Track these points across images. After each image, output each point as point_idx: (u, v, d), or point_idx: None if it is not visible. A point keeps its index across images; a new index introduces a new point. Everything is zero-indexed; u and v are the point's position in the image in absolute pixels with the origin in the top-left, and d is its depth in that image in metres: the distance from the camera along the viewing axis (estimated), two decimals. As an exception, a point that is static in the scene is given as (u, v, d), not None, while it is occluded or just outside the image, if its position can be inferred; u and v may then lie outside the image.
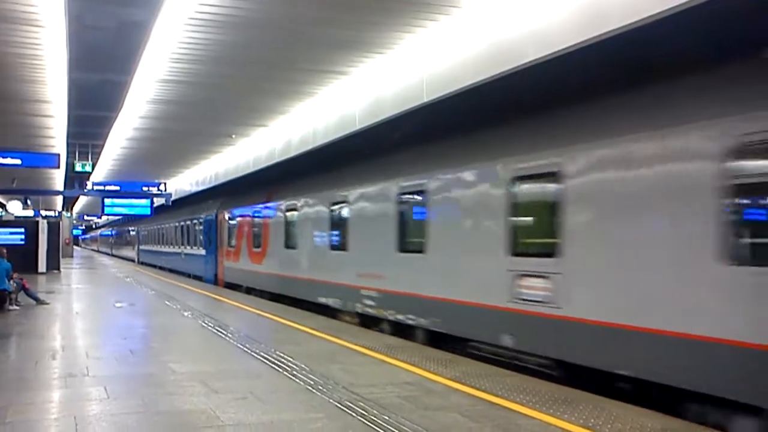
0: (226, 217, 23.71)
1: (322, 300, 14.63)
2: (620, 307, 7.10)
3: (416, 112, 11.72)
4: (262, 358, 8.58)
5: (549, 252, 8.10)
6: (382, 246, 12.24)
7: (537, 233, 8.89)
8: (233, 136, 20.52)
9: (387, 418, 5.78)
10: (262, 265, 19.47)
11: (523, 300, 8.43)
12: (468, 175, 9.93)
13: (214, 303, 16.21)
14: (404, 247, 11.67)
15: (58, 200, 46.77)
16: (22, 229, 26.80)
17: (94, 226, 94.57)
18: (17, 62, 12.72)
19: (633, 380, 6.95)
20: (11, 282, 14.06)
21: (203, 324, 12.08)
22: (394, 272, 11.88)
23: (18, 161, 21.04)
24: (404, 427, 5.52)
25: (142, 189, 29.19)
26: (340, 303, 13.87)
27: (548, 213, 8.28)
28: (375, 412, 5.97)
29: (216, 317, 12.99)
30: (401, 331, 11.35)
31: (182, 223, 30.47)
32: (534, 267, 8.36)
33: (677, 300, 6.49)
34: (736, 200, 6.12)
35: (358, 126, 13.74)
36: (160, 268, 34.91)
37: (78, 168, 25.17)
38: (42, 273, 26.12)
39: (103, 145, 23.60)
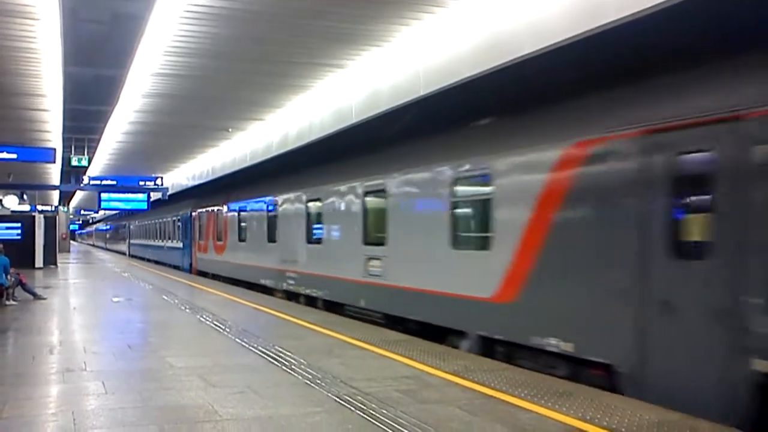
0: (197, 216, 28.17)
1: (263, 281, 18.75)
2: (413, 277, 11.12)
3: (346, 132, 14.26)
4: (260, 353, 8.58)
5: (381, 242, 12.22)
6: (297, 239, 16.49)
7: (377, 229, 12.65)
8: (230, 130, 20.48)
9: (385, 411, 5.78)
10: (223, 255, 23.84)
11: (370, 275, 12.48)
12: (344, 189, 14.08)
13: (211, 297, 16.20)
14: (310, 239, 15.84)
15: (55, 195, 46.66)
16: (19, 224, 26.74)
17: (90, 221, 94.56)
18: (12, 56, 12.66)
19: (420, 323, 10.78)
20: (8, 277, 14.03)
21: (201, 318, 12.07)
22: (304, 259, 16.08)
23: (14, 155, 20.97)
24: (402, 421, 5.53)
25: (138, 183, 29.16)
26: (274, 283, 17.89)
27: (381, 215, 12.35)
28: (373, 405, 5.98)
29: (214, 312, 12.99)
30: (312, 302, 15.19)
31: (165, 220, 34.76)
32: (375, 252, 12.43)
33: (437, 272, 10.41)
34: (456, 210, 10.24)
35: (354, 119, 13.72)
36: (147, 260, 39.06)
37: (74, 162, 25.10)
38: (39, 268, 26.08)
39: (99, 140, 23.54)
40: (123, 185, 29.04)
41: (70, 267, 30.03)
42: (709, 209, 6.36)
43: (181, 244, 30.61)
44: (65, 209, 51.00)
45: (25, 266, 23.15)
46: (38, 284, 19.08)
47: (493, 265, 8.95)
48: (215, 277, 24.16)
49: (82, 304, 15.54)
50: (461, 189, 10.22)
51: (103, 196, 28.95)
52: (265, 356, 8.35)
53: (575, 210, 7.81)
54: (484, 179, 9.49)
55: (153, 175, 30.04)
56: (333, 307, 14.13)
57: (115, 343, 9.80)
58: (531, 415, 5.74)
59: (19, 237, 25.88)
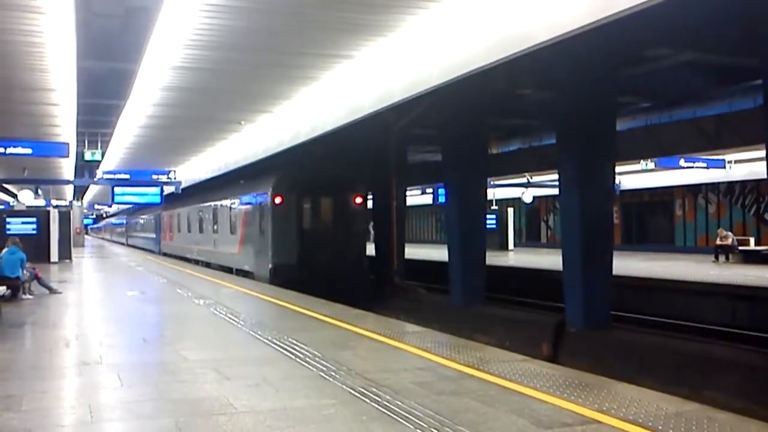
0: (162, 216, 41.68)
1: (188, 255, 32.38)
2: (222, 248, 26.04)
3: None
4: (274, 345, 8.57)
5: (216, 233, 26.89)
6: (196, 232, 30.90)
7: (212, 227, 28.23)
8: (242, 122, 20.50)
9: (400, 403, 5.76)
10: (174, 242, 37.68)
11: (213, 250, 27.93)
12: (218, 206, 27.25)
13: (225, 291, 16.23)
14: (200, 231, 30.07)
15: (69, 189, 46.91)
16: (34, 219, 26.85)
17: (104, 216, 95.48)
18: (22, 50, 12.69)
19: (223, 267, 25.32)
20: (24, 272, 14.10)
21: (215, 311, 12.09)
22: (200, 243, 29.88)
23: (29, 150, 21.07)
24: (417, 413, 5.50)
25: (151, 177, 29.23)
26: (190, 256, 31.86)
27: (215, 220, 27.27)
28: (388, 397, 5.95)
29: (228, 305, 13.00)
30: (208, 265, 27.42)
31: (146, 218, 49.84)
32: (213, 238, 27.68)
33: (227, 245, 25.36)
34: (230, 218, 25.33)
35: (367, 111, 13.70)
36: (136, 247, 52.05)
37: (88, 157, 25.21)
38: (54, 262, 26.21)
39: (112, 134, 23.63)
40: (136, 179, 29.13)
41: (85, 261, 30.18)
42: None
43: (155, 235, 44.80)
44: (79, 204, 51.25)
45: (41, 260, 23.29)
46: (53, 278, 19.17)
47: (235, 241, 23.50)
48: (170, 255, 36.50)
49: (97, 298, 15.63)
50: (227, 211, 25.37)
51: (117, 190, 29.06)
52: (279, 349, 8.34)
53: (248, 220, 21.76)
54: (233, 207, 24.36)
55: (166, 169, 30.13)
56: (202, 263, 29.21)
57: (130, 337, 9.84)
58: (547, 407, 5.70)
59: (34, 232, 25.98)
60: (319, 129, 16.24)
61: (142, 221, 52.34)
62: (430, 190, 38.11)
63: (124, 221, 66.45)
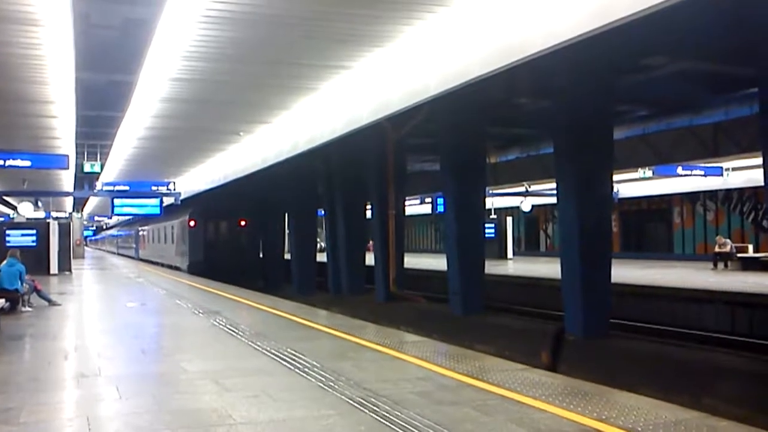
0: (137, 231, 56.97)
1: (151, 259, 45.33)
2: (165, 254, 40.67)
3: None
4: (273, 356, 8.57)
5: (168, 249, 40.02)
6: (155, 242, 45.82)
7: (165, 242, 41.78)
8: (240, 133, 20.54)
9: (399, 413, 5.75)
10: (145, 250, 49.96)
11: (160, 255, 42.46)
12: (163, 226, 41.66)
13: (225, 302, 16.22)
14: (156, 242, 45.25)
15: (69, 201, 46.93)
16: (34, 231, 26.83)
17: (104, 227, 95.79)
18: (20, 63, 12.72)
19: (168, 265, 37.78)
20: (24, 284, 14.09)
21: (214, 322, 12.08)
22: (156, 249, 44.59)
23: (28, 163, 21.10)
24: (416, 423, 5.50)
25: (151, 189, 29.25)
26: (152, 259, 44.73)
27: (165, 237, 41.51)
28: (387, 407, 5.95)
29: (227, 315, 13.00)
30: (161, 264, 40.22)
31: (129, 233, 65.16)
32: (164, 249, 42.02)
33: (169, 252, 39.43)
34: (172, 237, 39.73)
35: (365, 121, 13.73)
36: (123, 255, 63.85)
37: (87, 169, 25.23)
38: (54, 274, 26.17)
39: (111, 145, 23.65)
40: (135, 191, 29.14)
41: (85, 273, 30.16)
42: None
43: (135, 245, 58.49)
44: (79, 216, 51.31)
45: (40, 272, 23.26)
46: (53, 290, 19.16)
47: (171, 248, 38.60)
48: (144, 260, 48.17)
49: (97, 310, 15.61)
50: (167, 230, 40.36)
51: (116, 201, 29.05)
52: (279, 359, 8.34)
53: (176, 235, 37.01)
54: (170, 228, 39.17)
55: (166, 180, 30.15)
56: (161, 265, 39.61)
57: (129, 348, 9.83)
58: (546, 416, 5.70)
59: (34, 244, 25.96)
60: (318, 139, 16.27)
61: (126, 236, 69.46)
62: (429, 200, 38.12)
63: (115, 235, 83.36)
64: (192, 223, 34.41)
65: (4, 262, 14.27)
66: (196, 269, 31.63)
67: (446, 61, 10.61)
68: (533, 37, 8.62)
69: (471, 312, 17.60)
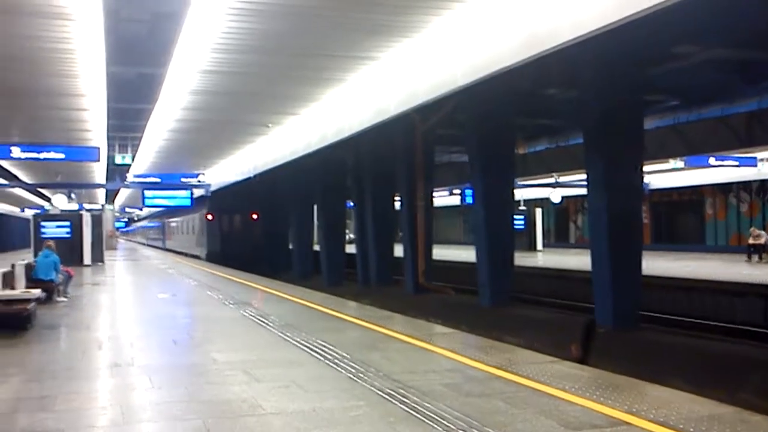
0: (165, 223, 60.59)
1: (175, 249, 50.16)
2: (185, 245, 46.39)
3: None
4: (303, 347, 8.62)
5: (190, 236, 45.32)
6: (178, 233, 51.82)
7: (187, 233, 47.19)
8: (269, 125, 20.64)
9: (428, 405, 5.76)
10: (171, 241, 54.92)
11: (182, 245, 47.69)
12: (180, 218, 49.49)
13: (255, 293, 16.34)
14: (179, 233, 50.95)
15: (101, 193, 47.54)
16: (68, 223, 27.20)
17: (135, 219, 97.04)
18: (52, 57, 12.90)
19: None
20: (59, 275, 14.30)
21: (244, 313, 12.18)
22: (179, 240, 50.31)
23: (62, 155, 21.36)
24: (445, 414, 5.50)
25: (180, 180, 29.50)
26: (176, 249, 49.69)
27: (188, 229, 46.54)
28: (416, 399, 5.96)
29: (257, 306, 13.11)
30: (182, 253, 45.25)
31: (157, 225, 69.18)
32: (187, 239, 46.48)
33: (190, 242, 44.81)
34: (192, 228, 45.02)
35: (392, 112, 13.72)
36: (151, 246, 67.80)
37: (119, 161, 25.51)
38: (87, 265, 26.54)
39: (141, 138, 23.90)
40: (165, 182, 29.41)
41: (117, 264, 30.55)
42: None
43: (162, 237, 63.20)
44: (111, 207, 52.04)
45: (74, 263, 23.61)
46: (86, 281, 19.48)
47: (192, 239, 43.64)
48: (168, 250, 52.55)
49: (129, 300, 15.81)
50: (189, 223, 45.70)
51: (147, 193, 29.36)
52: (308, 350, 8.39)
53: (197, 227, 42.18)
54: (191, 221, 44.49)
55: (196, 172, 30.39)
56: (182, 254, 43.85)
57: (160, 339, 9.95)
58: (576, 408, 5.67)
59: (68, 235, 26.32)
60: (346, 131, 16.30)
61: (154, 228, 74.31)
62: (457, 191, 38.01)
63: (144, 227, 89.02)
64: (210, 217, 38.89)
65: (40, 253, 14.50)
66: (214, 258, 35.86)
67: (474, 51, 10.56)
68: (561, 27, 8.55)
69: (500, 304, 17.52)
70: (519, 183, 31.30)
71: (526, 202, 38.38)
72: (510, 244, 18.50)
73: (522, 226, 34.32)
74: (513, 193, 19.46)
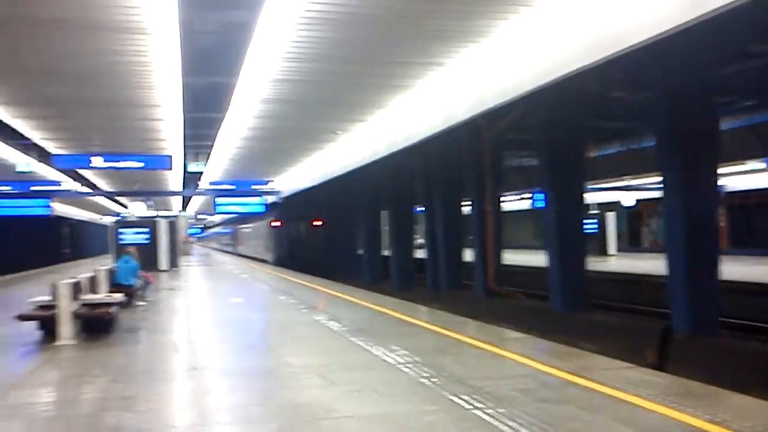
0: (236, 231, 64.09)
1: (246, 254, 52.85)
2: (255, 250, 48.38)
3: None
4: (375, 352, 8.67)
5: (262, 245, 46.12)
6: (248, 240, 55.48)
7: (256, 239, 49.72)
8: (338, 132, 20.84)
9: (502, 410, 5.73)
10: (242, 247, 58.48)
11: (252, 250, 50.23)
12: (255, 226, 49.73)
13: (327, 297, 16.50)
14: (249, 239, 54.47)
15: (176, 200, 48.79)
16: (145, 229, 27.99)
17: (209, 225, 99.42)
18: (130, 70, 13.36)
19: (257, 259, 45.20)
20: (138, 280, 14.75)
21: (317, 318, 12.33)
22: (250, 246, 52.85)
23: (141, 164, 22.02)
24: (519, 420, 5.46)
25: (252, 188, 30.02)
26: (246, 254, 52.19)
27: (260, 236, 47.83)
28: (490, 404, 5.93)
29: (329, 311, 13.23)
30: (252, 258, 47.06)
31: (229, 231, 73.82)
32: (256, 244, 49.36)
33: (259, 248, 46.57)
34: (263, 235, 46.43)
35: (461, 118, 13.70)
36: (224, 251, 73.05)
37: (192, 169, 26.13)
38: (163, 270, 27.27)
39: (213, 146, 24.44)
40: (237, 190, 29.97)
41: (192, 269, 31.29)
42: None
43: (233, 242, 67.74)
44: (186, 214, 53.45)
45: (150, 269, 24.28)
46: (162, 286, 20.04)
47: (261, 245, 45.98)
48: (240, 255, 55.33)
49: (204, 305, 16.18)
50: (257, 230, 48.35)
51: (219, 200, 29.96)
52: (381, 354, 8.43)
53: (265, 234, 44.22)
54: (260, 228, 46.83)
55: (266, 179, 30.89)
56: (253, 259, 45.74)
57: (235, 343, 10.17)
58: (654, 416, 5.54)
59: (145, 241, 27.07)
60: (415, 137, 16.35)
61: (226, 234, 79.50)
62: (527, 195, 37.61)
63: (217, 233, 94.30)
64: (277, 224, 41.45)
65: (120, 259, 15.01)
66: (281, 262, 38.09)
67: (540, 55, 10.48)
68: (628, 30, 8.41)
69: (572, 309, 17.27)
70: (590, 187, 30.81)
71: (598, 206, 37.67)
72: (582, 248, 18.24)
73: (594, 230, 33.72)
74: (583, 197, 19.18)
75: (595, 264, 22.36)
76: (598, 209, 37.19)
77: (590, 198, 33.72)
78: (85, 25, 10.75)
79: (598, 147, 27.58)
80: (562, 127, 17.56)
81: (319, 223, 41.19)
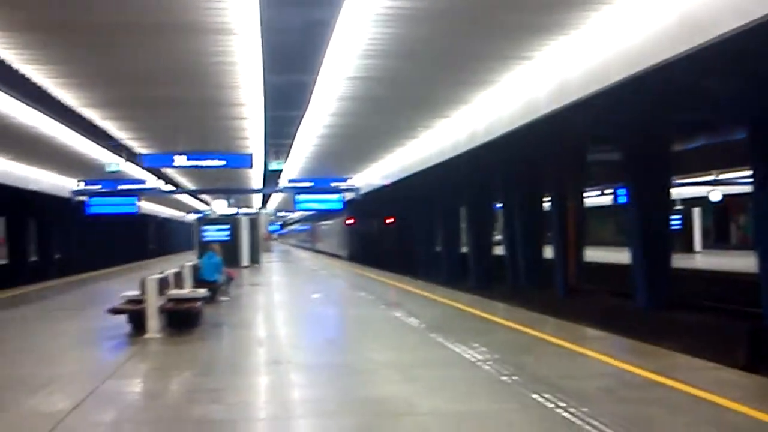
0: (313, 229, 69.33)
1: (323, 250, 56.55)
2: (332, 247, 51.84)
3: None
4: (454, 348, 8.65)
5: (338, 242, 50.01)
6: (324, 237, 59.74)
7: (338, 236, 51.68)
8: (418, 128, 20.83)
9: (585, 410, 5.64)
10: (318, 243, 63.11)
11: (328, 247, 54.96)
12: (328, 224, 55.93)
13: (404, 294, 16.56)
14: (326, 237, 59.27)
15: (257, 198, 49.77)
16: (227, 226, 28.65)
17: (289, 222, 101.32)
18: (216, 70, 13.69)
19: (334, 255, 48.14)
20: (221, 276, 15.12)
21: (396, 314, 12.38)
22: (325, 242, 57.68)
23: (223, 162, 22.54)
24: (602, 419, 5.36)
25: (330, 185, 30.32)
26: (323, 250, 56.46)
27: (337, 233, 51.03)
28: (572, 403, 5.84)
29: (408, 308, 13.26)
30: (328, 254, 50.80)
31: (306, 228, 78.99)
32: (337, 240, 50.79)
33: (335, 245, 50.56)
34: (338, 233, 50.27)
35: (543, 111, 13.51)
36: (301, 247, 75.96)
37: (274, 166, 26.57)
38: (245, 267, 27.85)
39: (292, 144, 24.80)
40: (317, 187, 30.32)
41: (272, 265, 31.86)
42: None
43: (310, 239, 71.99)
44: (266, 211, 54.53)
45: (232, 265, 24.85)
46: (245, 282, 20.49)
47: (335, 242, 50.62)
48: (317, 251, 58.65)
49: (285, 301, 16.46)
50: (332, 228, 52.71)
51: (299, 197, 30.38)
52: (460, 352, 8.41)
53: (339, 231, 48.97)
54: (334, 226, 51.75)
55: (346, 176, 31.16)
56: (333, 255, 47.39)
57: (316, 338, 10.33)
58: (744, 419, 5.35)
59: (228, 238, 27.70)
60: (496, 131, 16.21)
61: (303, 231, 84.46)
62: (609, 191, 36.78)
63: (296, 230, 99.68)
64: (350, 222, 45.03)
65: (205, 255, 15.42)
66: (354, 258, 41.37)
67: (628, 45, 10.24)
68: (723, 16, 8.12)
69: (656, 307, 16.85)
70: (675, 181, 29.91)
71: (683, 201, 36.54)
72: (666, 245, 17.77)
73: (679, 226, 32.76)
74: (669, 192, 18.67)
75: (679, 261, 21.73)
76: (682, 205, 36.09)
77: (675, 193, 32.79)
78: (175, 27, 11.09)
79: (686, 140, 26.74)
80: (647, 119, 17.11)
81: (391, 220, 43.00)
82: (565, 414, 5.54)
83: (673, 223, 24.33)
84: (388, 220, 44.01)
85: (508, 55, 12.84)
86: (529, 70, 13.59)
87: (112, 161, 24.64)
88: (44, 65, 13.17)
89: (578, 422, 5.32)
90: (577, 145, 21.26)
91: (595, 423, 5.27)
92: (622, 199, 27.79)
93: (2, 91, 15.38)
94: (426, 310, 13.18)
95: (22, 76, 13.51)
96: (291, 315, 13.51)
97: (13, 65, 12.76)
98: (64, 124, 19.39)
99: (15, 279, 27.75)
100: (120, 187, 28.95)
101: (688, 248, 33.79)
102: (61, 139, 21.08)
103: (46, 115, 18.02)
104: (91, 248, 41.09)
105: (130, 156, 25.05)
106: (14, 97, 16.04)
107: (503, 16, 10.67)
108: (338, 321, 12.78)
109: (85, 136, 21.43)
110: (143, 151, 23.96)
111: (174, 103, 16.80)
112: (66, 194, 29.21)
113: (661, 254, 17.38)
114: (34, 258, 36.43)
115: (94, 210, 27.95)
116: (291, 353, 8.82)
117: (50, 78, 14.11)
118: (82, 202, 28.30)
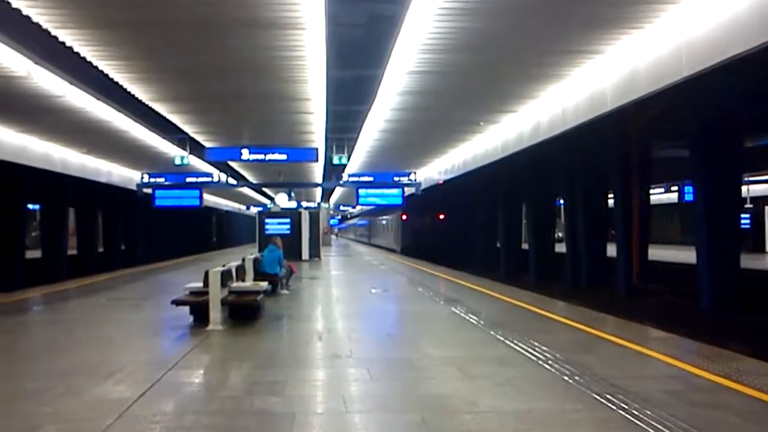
0: (370, 223, 73.17)
1: (378, 243, 61.64)
2: (386, 241, 56.12)
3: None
4: (515, 346, 8.57)
5: (389, 233, 56.14)
6: (380, 232, 62.95)
7: (387, 232, 58.83)
8: (481, 123, 20.68)
9: (649, 412, 5.51)
10: (374, 238, 67.70)
11: (384, 240, 58.63)
12: (385, 218, 59.51)
13: (464, 290, 16.46)
14: (380, 231, 63.29)
15: (317, 192, 50.17)
16: (288, 220, 28.97)
17: (348, 216, 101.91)
18: (284, 65, 13.83)
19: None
20: (282, 269, 15.29)
21: (455, 310, 12.32)
22: (381, 237, 61.02)
23: (284, 156, 22.78)
24: (668, 423, 5.23)
25: (393, 179, 30.34)
26: (381, 244, 58.00)
27: (389, 228, 57.82)
28: (636, 405, 5.72)
29: (467, 304, 13.19)
30: (382, 247, 55.04)
31: (364, 223, 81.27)
32: (386, 236, 57.34)
33: (388, 239, 55.83)
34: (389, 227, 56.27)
35: (609, 107, 13.27)
36: (360, 242, 79.81)
37: (335, 161, 26.75)
38: (305, 260, 28.11)
39: (356, 138, 24.90)
40: (379, 181, 30.36)
41: (332, 259, 32.07)
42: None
43: (368, 233, 75.28)
44: (326, 205, 54.95)
45: (293, 258, 25.13)
46: (305, 275, 20.67)
47: (390, 236, 54.56)
48: (373, 245, 62.55)
49: (344, 295, 16.55)
50: (386, 223, 58.14)
51: (361, 191, 30.48)
52: (520, 349, 8.33)
53: (393, 226, 53.28)
54: (389, 221, 55.69)
55: (407, 171, 31.17)
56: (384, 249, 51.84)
57: (375, 332, 10.35)
58: (820, 427, 5.17)
59: (289, 231, 28.00)
60: (560, 126, 15.99)
61: (362, 226, 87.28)
62: (675, 188, 35.95)
63: (355, 225, 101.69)
64: (404, 217, 48.23)
65: (266, 248, 15.62)
66: (407, 251, 44.36)
67: (699, 39, 9.95)
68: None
69: (723, 308, 16.37)
70: (746, 178, 29.04)
71: (753, 199, 35.44)
72: (735, 244, 17.25)
73: (748, 226, 31.79)
74: (740, 190, 18.13)
75: (749, 261, 21.08)
76: (752, 203, 35.01)
77: (745, 190, 31.84)
78: (246, 22, 11.25)
79: (757, 136, 25.92)
80: (717, 114, 16.64)
81: (443, 216, 44.07)
82: (630, 417, 5.43)
83: (742, 221, 23.63)
84: (440, 216, 44.81)
85: (575, 49, 12.63)
86: (597, 65, 13.34)
87: (180, 154, 25.14)
88: (117, 61, 13.52)
89: (643, 426, 5.21)
90: (641, 140, 20.80)
91: (660, 427, 5.15)
92: (689, 197, 27.14)
93: (78, 86, 15.83)
94: (485, 306, 13.08)
95: (97, 69, 13.88)
96: (350, 309, 13.57)
97: (87, 60, 13.13)
98: (133, 119, 19.88)
99: (84, 269, 28.63)
100: (188, 180, 29.52)
101: (759, 248, 32.78)
102: (133, 133, 21.61)
103: (117, 110, 18.50)
104: (154, 240, 42.07)
105: (195, 150, 25.54)
106: (89, 93, 16.49)
107: (572, 9, 10.49)
108: (398, 316, 12.78)
109: (152, 130, 21.93)
110: (208, 144, 24.39)
111: (242, 97, 17.04)
112: (132, 186, 29.95)
113: (729, 253, 16.88)
114: (100, 249, 37.43)
115: (159, 203, 28.58)
116: (351, 347, 8.85)
117: (122, 73, 14.48)
118: (149, 194, 28.95)
